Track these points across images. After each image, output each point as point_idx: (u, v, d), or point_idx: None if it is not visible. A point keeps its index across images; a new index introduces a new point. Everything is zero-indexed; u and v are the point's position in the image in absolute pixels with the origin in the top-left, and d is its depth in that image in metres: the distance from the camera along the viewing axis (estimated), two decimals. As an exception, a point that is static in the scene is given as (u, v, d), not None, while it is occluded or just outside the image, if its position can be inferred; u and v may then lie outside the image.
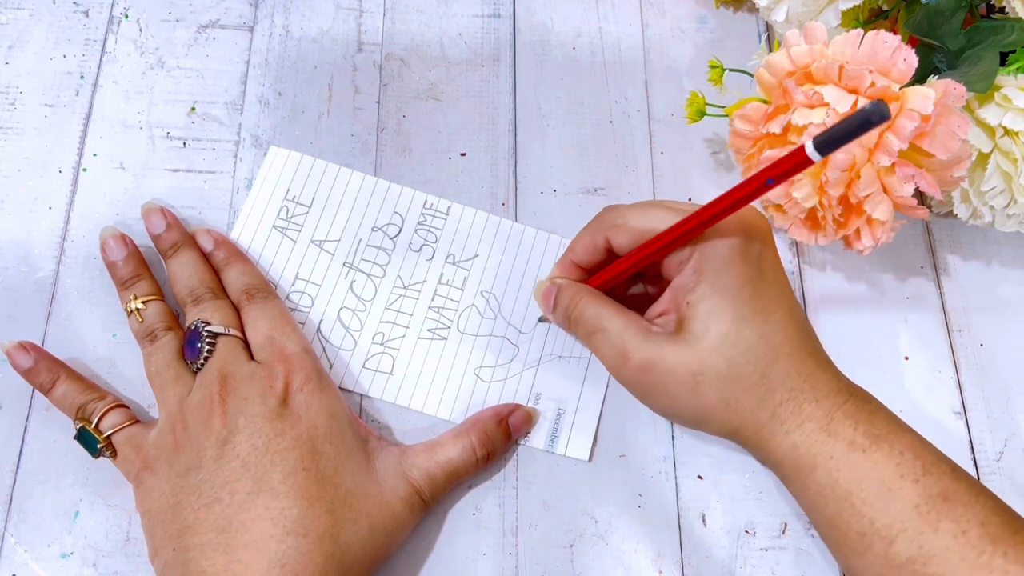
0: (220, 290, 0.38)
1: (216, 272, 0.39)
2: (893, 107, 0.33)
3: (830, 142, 0.25)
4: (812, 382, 0.32)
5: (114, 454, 0.35)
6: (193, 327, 0.36)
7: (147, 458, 0.34)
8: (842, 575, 0.38)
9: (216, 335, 0.35)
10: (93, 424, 0.35)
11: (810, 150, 0.25)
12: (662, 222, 0.33)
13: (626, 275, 0.35)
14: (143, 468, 0.34)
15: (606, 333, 0.33)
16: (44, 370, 0.36)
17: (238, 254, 0.40)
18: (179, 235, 0.39)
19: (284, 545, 0.31)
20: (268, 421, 0.33)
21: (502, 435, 0.38)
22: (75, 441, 0.35)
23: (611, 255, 0.36)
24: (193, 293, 0.37)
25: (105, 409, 0.35)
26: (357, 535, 0.33)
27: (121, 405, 0.36)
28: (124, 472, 0.35)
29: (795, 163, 0.27)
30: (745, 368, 0.32)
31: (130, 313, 0.37)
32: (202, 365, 0.35)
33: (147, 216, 0.40)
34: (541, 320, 0.41)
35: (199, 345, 0.35)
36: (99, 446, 0.35)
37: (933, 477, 0.31)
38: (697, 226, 0.31)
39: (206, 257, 0.39)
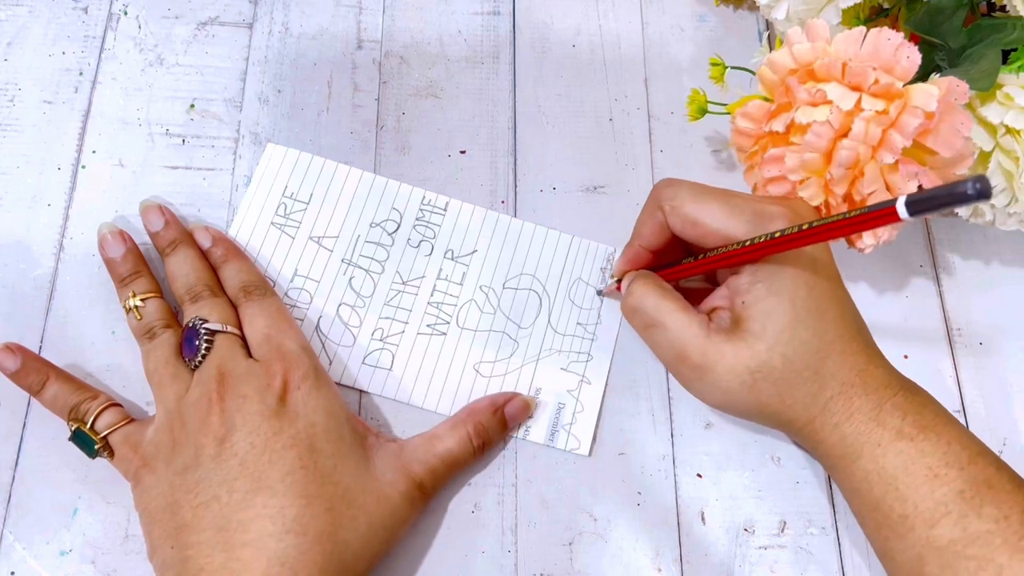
0: (218, 287, 0.38)
1: (214, 269, 0.39)
2: (896, 104, 0.33)
3: (922, 204, 0.26)
4: (863, 376, 0.33)
5: (111, 454, 0.35)
6: (191, 324, 0.36)
7: (145, 456, 0.34)
8: (843, 570, 0.38)
9: (214, 332, 0.35)
10: (88, 425, 0.35)
11: (901, 209, 0.26)
12: (717, 219, 0.34)
13: (686, 276, 0.37)
14: (141, 466, 0.34)
15: (664, 329, 0.34)
16: (32, 372, 0.36)
17: (236, 251, 0.40)
18: (177, 232, 0.39)
19: (283, 544, 0.31)
20: (266, 419, 0.33)
21: (498, 424, 0.38)
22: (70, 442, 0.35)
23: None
24: (191, 291, 0.37)
25: (99, 409, 0.35)
26: (356, 532, 0.33)
27: (115, 404, 0.36)
28: (122, 471, 0.35)
29: (882, 216, 0.28)
30: (799, 365, 0.33)
31: (128, 310, 0.37)
32: (200, 362, 0.35)
33: (145, 213, 0.40)
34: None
35: (197, 343, 0.35)
36: (96, 447, 0.35)
37: (978, 466, 0.31)
38: (770, 251, 0.32)
39: (204, 254, 0.39)
